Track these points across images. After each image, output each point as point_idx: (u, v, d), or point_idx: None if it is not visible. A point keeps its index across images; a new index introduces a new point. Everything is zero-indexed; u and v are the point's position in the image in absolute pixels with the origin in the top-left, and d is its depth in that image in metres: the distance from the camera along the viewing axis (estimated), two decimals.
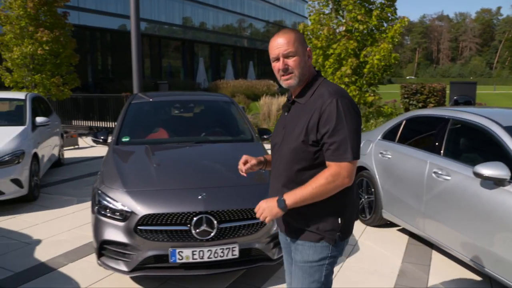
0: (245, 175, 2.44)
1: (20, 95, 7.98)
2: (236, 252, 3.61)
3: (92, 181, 7.64)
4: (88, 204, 6.37)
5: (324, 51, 8.40)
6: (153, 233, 3.55)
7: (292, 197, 2.06)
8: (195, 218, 3.52)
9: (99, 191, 3.87)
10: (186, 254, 3.52)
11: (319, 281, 2.20)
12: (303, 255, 2.19)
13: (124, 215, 3.62)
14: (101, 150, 10.89)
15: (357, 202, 2.30)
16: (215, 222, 3.56)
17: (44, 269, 4.29)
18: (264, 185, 4.06)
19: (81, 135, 13.37)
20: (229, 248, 3.59)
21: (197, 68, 35.78)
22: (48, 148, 7.79)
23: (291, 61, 2.13)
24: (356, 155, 2.04)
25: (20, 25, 11.87)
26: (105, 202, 3.76)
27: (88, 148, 11.57)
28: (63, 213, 6.01)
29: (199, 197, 3.61)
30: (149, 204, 3.60)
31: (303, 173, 2.13)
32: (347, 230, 2.22)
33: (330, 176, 2.02)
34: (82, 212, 6.03)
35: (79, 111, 15.47)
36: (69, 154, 10.39)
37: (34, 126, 7.12)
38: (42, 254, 4.63)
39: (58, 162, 8.89)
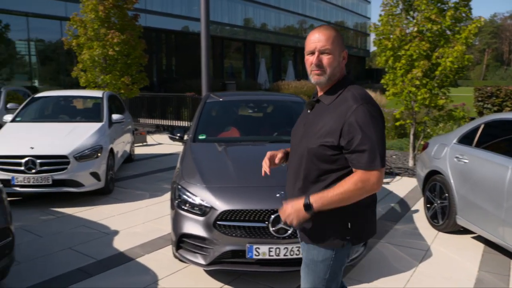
0: (269, 173, 2.48)
1: (97, 93, 8.42)
2: None
3: (162, 177, 7.99)
4: (159, 198, 6.67)
5: (394, 52, 8.22)
6: (231, 229, 3.64)
7: (320, 202, 2.04)
8: (273, 216, 3.57)
9: (179, 186, 4.02)
10: (262, 251, 3.58)
11: (323, 279, 2.24)
12: (308, 253, 2.26)
13: (203, 210, 3.74)
14: (168, 148, 11.25)
15: (373, 206, 2.32)
16: None
17: (122, 258, 4.50)
18: None
19: (148, 132, 13.85)
20: None
21: (258, 69, 36.06)
22: (122, 144, 8.16)
23: (325, 58, 2.12)
24: (384, 162, 2.04)
25: (93, 28, 12.48)
26: (185, 197, 3.90)
27: (156, 146, 11.98)
28: (137, 207, 6.27)
29: (277, 195, 3.66)
30: (228, 200, 3.70)
31: (319, 173, 2.14)
32: (360, 235, 2.22)
33: (359, 182, 2.00)
34: (154, 207, 6.26)
35: (145, 110, 16.04)
36: (138, 150, 10.81)
37: (110, 123, 7.49)
38: (120, 244, 4.86)
39: (129, 158, 9.28)
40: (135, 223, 5.57)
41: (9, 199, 6.14)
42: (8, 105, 10.33)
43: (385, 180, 7.77)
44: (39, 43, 27.77)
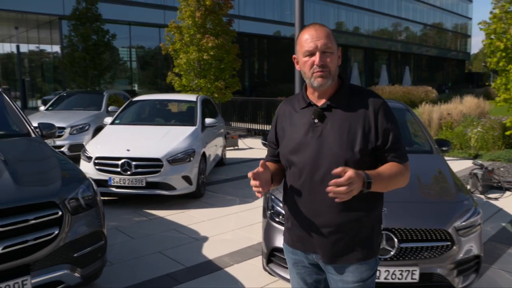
0: (260, 196, 1.99)
1: (191, 97, 8.53)
2: (416, 276, 3.24)
3: None
4: (250, 205, 6.53)
5: (507, 54, 7.44)
6: None
7: (378, 180, 1.84)
8: None
9: (272, 196, 3.80)
10: None
11: None
12: (355, 275, 2.01)
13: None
14: (260, 153, 11.17)
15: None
16: (395, 240, 3.24)
17: (211, 266, 4.38)
18: (453, 203, 3.62)
19: (240, 136, 13.91)
20: (408, 270, 3.24)
21: (351, 73, 35.26)
22: (214, 148, 8.17)
23: (328, 58, 1.91)
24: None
25: (190, 33, 12.83)
26: (279, 208, 3.67)
27: (247, 150, 11.98)
28: (227, 212, 6.18)
29: None
30: None
31: None
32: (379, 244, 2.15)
33: (402, 170, 1.95)
34: (245, 213, 6.13)
35: (236, 114, 16.19)
36: (229, 154, 10.84)
37: (203, 126, 7.52)
38: (209, 251, 4.76)
39: (221, 162, 9.29)
40: (225, 229, 5.46)
41: (106, 198, 6.41)
42: (110, 108, 10.86)
43: (493, 196, 7.02)
44: (139, 50, 29.38)
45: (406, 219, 3.34)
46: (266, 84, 31.52)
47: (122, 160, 6.17)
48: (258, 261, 4.46)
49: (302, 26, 9.22)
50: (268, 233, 3.74)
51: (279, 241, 3.58)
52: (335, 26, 39.87)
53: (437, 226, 3.29)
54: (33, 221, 2.97)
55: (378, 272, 3.24)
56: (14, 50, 32.59)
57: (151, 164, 6.22)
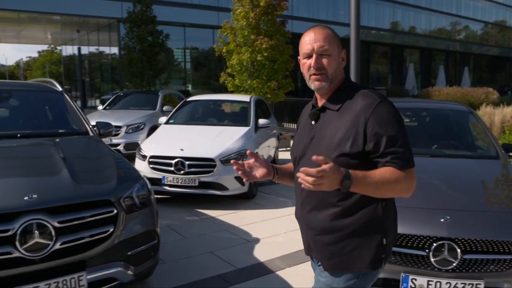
0: (245, 179, 2.06)
1: (245, 97, 8.52)
2: None
3: None
4: None
5: None
6: None
7: (360, 179, 1.72)
8: (435, 244, 3.06)
9: None
10: (420, 283, 3.09)
11: None
12: (327, 280, 1.97)
13: None
14: None
15: (397, 220, 2.03)
16: (458, 251, 3.04)
17: (262, 269, 4.33)
18: None
19: (292, 137, 13.76)
20: (472, 284, 3.03)
21: (406, 74, 34.27)
22: (267, 149, 8.11)
23: (325, 60, 1.89)
24: (414, 162, 1.84)
25: (243, 35, 12.87)
26: None
27: None
28: (279, 214, 6.10)
29: (442, 219, 3.13)
30: None
31: (341, 194, 1.85)
32: (391, 251, 1.99)
33: (399, 177, 1.77)
34: None
35: (289, 114, 16.08)
36: (282, 155, 10.74)
37: (256, 127, 7.48)
38: (260, 253, 4.70)
39: (273, 163, 9.17)
40: (277, 232, 5.38)
41: (159, 197, 6.50)
42: (164, 108, 11.07)
43: None
44: (193, 51, 29.87)
45: (470, 229, 3.13)
46: None
47: (176, 160, 6.23)
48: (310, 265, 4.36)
49: (358, 27, 9.01)
50: None
51: None
52: (390, 26, 38.91)
53: (505, 238, 3.06)
54: (89, 219, 3.02)
55: (438, 284, 3.06)
56: (76, 52, 34.11)
57: (204, 164, 6.24)
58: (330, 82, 1.92)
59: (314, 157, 1.64)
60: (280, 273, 4.25)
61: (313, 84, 1.94)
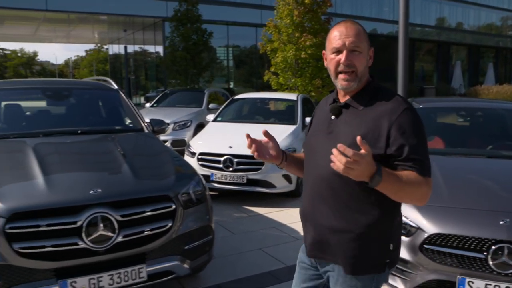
0: (256, 154, 2.07)
1: (292, 96, 8.54)
2: None
3: None
4: None
5: None
6: (441, 255, 3.16)
7: (390, 177, 1.67)
8: (493, 247, 2.99)
9: None
10: (477, 286, 3.03)
11: None
12: (343, 284, 1.89)
13: (408, 230, 3.33)
14: None
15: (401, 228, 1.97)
16: None
17: None
18: None
19: None
20: None
21: (453, 72, 33.30)
22: None
23: (355, 57, 1.83)
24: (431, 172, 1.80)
25: (288, 32, 12.87)
26: None
27: None
28: None
29: (501, 222, 3.06)
30: (440, 222, 3.22)
31: (360, 192, 1.79)
32: (397, 257, 1.94)
33: (422, 182, 1.73)
34: None
35: None
36: None
37: (303, 125, 7.49)
38: None
39: None
40: None
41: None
42: (210, 105, 11.22)
43: None
44: (236, 49, 30.07)
45: None
46: None
47: (225, 157, 6.32)
48: None
49: (407, 24, 8.86)
50: None
51: None
52: (436, 22, 37.88)
53: None
54: (149, 213, 3.13)
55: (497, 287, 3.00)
56: (121, 51, 35.02)
57: (252, 162, 6.30)
58: (358, 81, 1.87)
59: (358, 138, 1.58)
60: None
61: (339, 84, 1.89)
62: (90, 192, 2.99)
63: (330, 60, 1.89)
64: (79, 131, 4.35)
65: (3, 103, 4.77)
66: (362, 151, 1.58)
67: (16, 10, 24.04)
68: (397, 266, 3.40)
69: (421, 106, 5.28)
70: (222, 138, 6.84)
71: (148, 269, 3.10)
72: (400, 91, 9.13)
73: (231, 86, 29.10)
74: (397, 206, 1.92)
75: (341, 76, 1.87)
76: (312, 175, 1.97)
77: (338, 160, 1.56)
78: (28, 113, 4.96)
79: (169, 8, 21.94)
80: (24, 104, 5.07)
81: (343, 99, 1.95)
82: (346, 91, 1.92)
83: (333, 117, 1.93)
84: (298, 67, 12.99)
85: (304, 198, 2.05)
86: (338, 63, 1.86)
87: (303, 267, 2.14)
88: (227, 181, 6.32)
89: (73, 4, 23.97)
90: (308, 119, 7.55)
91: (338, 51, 1.86)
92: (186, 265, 3.35)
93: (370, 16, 31.85)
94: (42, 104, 5.18)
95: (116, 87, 5.25)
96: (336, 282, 1.95)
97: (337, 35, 1.86)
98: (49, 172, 3.21)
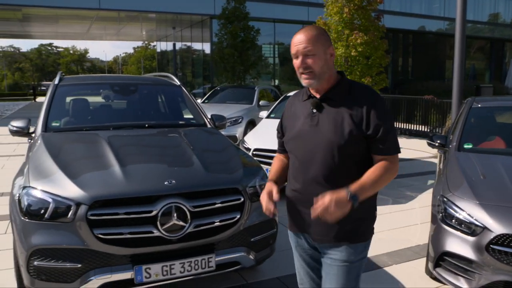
0: (276, 212, 2.21)
1: None
2: None
3: (404, 183, 7.63)
4: (404, 206, 6.34)
5: None
6: (508, 256, 3.13)
7: (362, 191, 1.99)
8: None
9: (445, 199, 3.65)
10: None
11: (357, 279, 2.21)
12: (342, 255, 2.15)
13: (473, 229, 3.31)
14: (407, 153, 10.77)
15: None
16: None
17: (369, 264, 4.36)
18: None
19: None
20: None
21: (507, 70, 32.05)
22: None
23: (310, 60, 2.06)
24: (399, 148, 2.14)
25: (337, 30, 12.78)
26: (452, 211, 3.52)
27: None
28: (380, 212, 5.91)
29: None
30: (508, 223, 3.19)
31: (349, 169, 2.09)
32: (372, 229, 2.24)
33: (389, 167, 2.06)
34: (399, 214, 5.97)
35: None
36: None
37: None
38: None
39: None
40: (379, 229, 5.31)
41: None
42: (260, 102, 11.32)
43: None
44: (281, 46, 30.09)
45: None
46: (409, 81, 30.18)
47: None
48: (419, 264, 4.33)
49: (464, 19, 8.65)
50: (437, 236, 3.61)
51: (451, 246, 3.45)
52: (489, 18, 36.56)
53: None
54: (219, 205, 3.24)
55: None
56: (169, 48, 35.73)
57: None
58: (318, 79, 2.10)
59: (313, 215, 1.95)
60: (388, 269, 4.27)
61: (303, 82, 2.13)
62: (165, 183, 3.13)
63: (294, 64, 2.15)
64: (146, 125, 4.53)
65: (72, 98, 5.02)
66: (326, 200, 1.90)
67: (71, 9, 24.99)
68: (461, 265, 3.40)
69: (479, 105, 5.17)
70: (275, 134, 6.90)
71: (216, 259, 3.22)
72: (455, 89, 8.93)
73: (276, 83, 29.17)
74: None
75: (302, 76, 2.12)
76: (301, 161, 2.19)
77: (323, 215, 1.92)
78: (95, 107, 5.20)
79: (216, 5, 22.24)
80: (92, 99, 5.32)
81: (317, 94, 2.18)
82: (312, 88, 2.17)
83: (314, 110, 2.16)
84: (348, 65, 12.88)
85: (294, 179, 2.26)
86: (298, 67, 2.11)
87: (304, 248, 2.37)
88: None
89: (124, 3, 24.68)
90: None
91: (296, 57, 2.11)
92: (251, 257, 3.44)
93: (420, 13, 31.12)
94: (110, 98, 5.41)
95: (178, 83, 5.42)
96: (332, 255, 2.19)
97: (293, 42, 2.12)
98: (125, 163, 3.37)
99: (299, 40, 2.08)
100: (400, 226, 5.48)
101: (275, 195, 2.19)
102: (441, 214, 3.62)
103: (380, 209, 6.08)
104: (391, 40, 30.34)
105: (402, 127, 14.77)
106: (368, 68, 12.86)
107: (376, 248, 4.72)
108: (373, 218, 2.23)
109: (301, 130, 2.18)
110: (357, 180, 2.01)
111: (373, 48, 12.68)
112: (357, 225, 2.13)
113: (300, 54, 2.08)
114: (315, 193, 2.05)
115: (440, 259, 3.57)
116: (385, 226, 5.48)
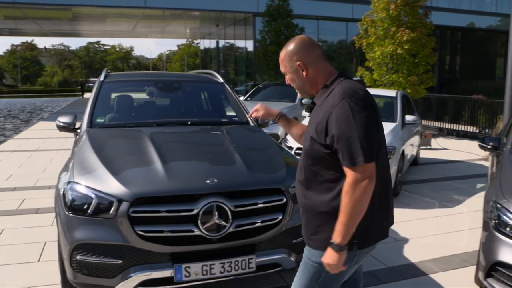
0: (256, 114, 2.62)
1: (391, 92, 8.27)
2: None
3: (451, 186, 7.36)
4: (451, 210, 6.11)
5: None
6: None
7: (340, 235, 1.95)
8: None
9: (498, 205, 3.45)
10: None
11: (316, 281, 2.17)
12: (306, 253, 2.24)
13: None
14: (454, 154, 10.40)
15: (381, 204, 2.04)
16: None
17: (414, 270, 4.21)
18: None
19: (433, 135, 13.04)
20: None
21: None
22: (411, 147, 7.79)
23: (287, 77, 2.24)
24: (368, 157, 1.89)
25: (383, 27, 12.47)
26: (506, 218, 3.32)
27: (440, 150, 11.22)
28: (426, 215, 5.86)
29: None
30: None
31: (315, 173, 2.10)
32: (368, 237, 2.09)
33: (349, 188, 1.91)
34: (445, 218, 5.75)
35: (427, 111, 15.28)
36: (422, 154, 10.26)
37: (403, 123, 7.24)
38: (410, 254, 4.57)
39: (414, 161, 8.86)
40: (425, 233, 5.18)
41: None
42: (303, 100, 11.20)
43: None
44: (323, 44, 29.77)
45: None
46: (457, 80, 29.18)
47: None
48: (467, 272, 4.15)
49: None
50: (489, 244, 3.42)
51: (505, 256, 3.25)
52: None
53: None
54: (261, 205, 3.17)
55: None
56: (212, 45, 36.02)
57: None
58: (302, 90, 2.23)
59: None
60: (433, 276, 4.10)
61: (298, 94, 2.34)
62: (207, 181, 3.08)
63: None
64: (189, 122, 4.52)
65: (117, 94, 5.08)
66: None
67: (118, 8, 25.61)
68: (505, 272, 3.22)
69: None
70: None
71: (257, 260, 3.15)
72: (508, 89, 8.54)
73: None
74: (333, 187, 2.08)
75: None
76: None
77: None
78: (139, 103, 5.25)
79: (260, 3, 22.22)
80: (136, 95, 5.38)
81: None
82: (304, 97, 2.35)
83: (308, 113, 2.37)
84: (394, 63, 12.56)
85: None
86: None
87: None
88: None
89: (169, 1, 25.08)
90: (408, 117, 7.32)
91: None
92: (292, 259, 3.35)
93: (470, 9, 30.03)
94: (153, 95, 5.46)
95: (222, 80, 5.40)
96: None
97: None
98: (167, 160, 3.36)
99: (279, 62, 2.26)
100: (447, 231, 5.27)
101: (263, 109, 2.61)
102: (494, 221, 3.43)
103: (426, 213, 5.93)
104: (439, 38, 29.44)
105: (448, 127, 14.29)
106: (415, 66, 12.50)
107: (421, 254, 4.57)
108: (329, 229, 2.04)
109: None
110: (332, 187, 2.05)
111: (420, 45, 12.32)
112: (314, 232, 2.16)
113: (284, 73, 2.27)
114: (298, 194, 2.23)
115: (492, 269, 3.38)
116: (431, 230, 5.28)
